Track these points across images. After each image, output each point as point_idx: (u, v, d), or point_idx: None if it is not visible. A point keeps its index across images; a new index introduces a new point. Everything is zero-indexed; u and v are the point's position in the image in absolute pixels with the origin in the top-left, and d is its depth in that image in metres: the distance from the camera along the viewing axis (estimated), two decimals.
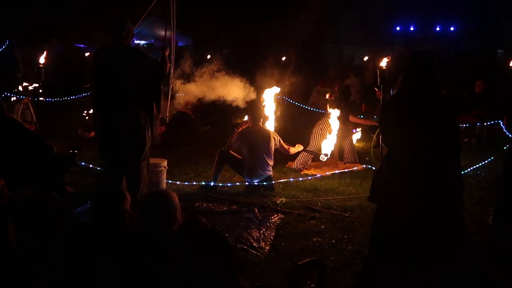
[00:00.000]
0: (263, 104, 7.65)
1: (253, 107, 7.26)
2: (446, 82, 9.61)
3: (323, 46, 26.68)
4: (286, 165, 8.42)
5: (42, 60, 6.94)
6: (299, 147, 7.48)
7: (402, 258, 3.74)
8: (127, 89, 5.36)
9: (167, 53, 5.77)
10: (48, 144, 6.16)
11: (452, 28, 26.15)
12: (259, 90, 8.12)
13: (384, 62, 6.09)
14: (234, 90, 7.99)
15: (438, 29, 26.51)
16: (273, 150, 7.09)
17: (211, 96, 8.29)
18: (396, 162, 3.73)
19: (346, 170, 7.66)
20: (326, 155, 7.44)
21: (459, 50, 23.52)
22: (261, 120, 7.21)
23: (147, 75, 5.44)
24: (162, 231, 3.46)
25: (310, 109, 13.04)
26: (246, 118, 7.45)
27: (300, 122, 11.27)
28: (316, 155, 7.81)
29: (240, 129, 7.17)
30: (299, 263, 3.28)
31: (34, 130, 9.08)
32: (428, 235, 3.70)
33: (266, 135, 7.07)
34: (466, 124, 10.58)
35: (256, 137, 7.00)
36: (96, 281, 3.34)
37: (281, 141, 7.27)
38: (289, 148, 7.38)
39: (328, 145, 7.52)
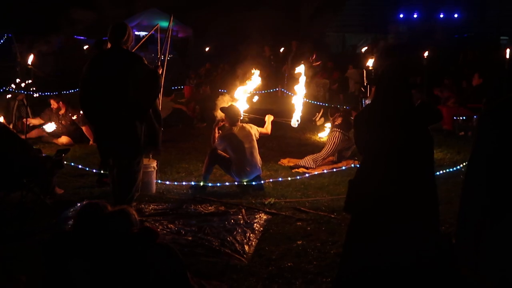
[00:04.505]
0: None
1: (230, 110, 7.18)
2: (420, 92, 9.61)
3: (326, 35, 26.48)
4: (279, 162, 8.41)
5: (30, 61, 6.95)
6: (270, 117, 7.48)
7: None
8: (122, 93, 5.44)
9: (160, 72, 5.86)
10: (35, 148, 6.19)
11: (456, 15, 25.91)
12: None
13: (370, 62, 6.05)
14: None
15: (442, 16, 26.27)
16: (256, 145, 7.09)
17: None
18: (369, 173, 3.73)
19: (334, 170, 7.65)
20: (297, 121, 7.49)
21: (463, 38, 23.29)
22: (239, 119, 7.18)
23: (142, 81, 5.49)
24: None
25: (308, 101, 12.96)
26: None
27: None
28: (287, 122, 7.76)
29: (221, 133, 7.14)
30: None
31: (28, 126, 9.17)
32: (403, 238, 3.73)
33: (247, 133, 7.06)
34: (462, 117, 10.54)
35: (238, 138, 6.99)
36: (73, 280, 3.47)
37: (258, 129, 7.26)
38: (266, 128, 7.40)
39: (297, 112, 7.53)
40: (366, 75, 5.99)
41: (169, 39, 7.28)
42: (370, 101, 4.22)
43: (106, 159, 5.97)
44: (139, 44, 7.47)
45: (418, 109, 3.82)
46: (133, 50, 6.04)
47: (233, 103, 7.23)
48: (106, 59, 5.61)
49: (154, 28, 7.00)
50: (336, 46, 25.63)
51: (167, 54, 6.82)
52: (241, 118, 7.22)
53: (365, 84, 5.96)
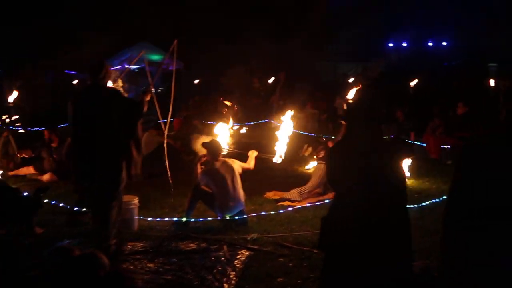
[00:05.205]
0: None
1: (211, 145, 7.17)
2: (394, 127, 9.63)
3: (317, 64, 26.62)
4: (264, 195, 8.36)
5: (11, 99, 6.95)
6: (253, 153, 7.42)
7: None
8: (103, 129, 5.48)
9: (147, 98, 5.86)
10: (14, 187, 6.15)
11: (444, 43, 26.21)
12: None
13: (351, 94, 6.06)
14: None
15: (430, 44, 26.59)
16: (239, 179, 7.05)
17: None
18: (340, 208, 3.71)
19: (318, 203, 7.61)
20: (280, 156, 7.45)
21: (452, 66, 23.52)
22: (220, 154, 7.16)
23: (123, 115, 5.56)
24: None
25: (297, 132, 12.92)
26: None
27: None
28: (270, 158, 7.71)
29: (203, 168, 7.12)
30: None
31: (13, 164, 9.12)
32: (376, 273, 3.69)
33: (229, 167, 7.03)
34: (448, 146, 10.56)
35: (220, 173, 6.96)
36: None
37: (240, 164, 7.22)
38: (249, 163, 7.35)
39: (281, 147, 7.50)
40: (347, 108, 6.00)
41: (174, 63, 7.31)
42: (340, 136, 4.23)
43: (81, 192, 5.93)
44: (124, 73, 7.49)
45: (389, 143, 3.81)
46: (118, 81, 6.10)
47: (215, 138, 7.22)
48: (87, 95, 5.72)
49: (140, 54, 7.02)
50: (327, 74, 25.80)
51: (173, 80, 6.79)
52: (223, 152, 7.20)
53: (341, 117, 5.98)
